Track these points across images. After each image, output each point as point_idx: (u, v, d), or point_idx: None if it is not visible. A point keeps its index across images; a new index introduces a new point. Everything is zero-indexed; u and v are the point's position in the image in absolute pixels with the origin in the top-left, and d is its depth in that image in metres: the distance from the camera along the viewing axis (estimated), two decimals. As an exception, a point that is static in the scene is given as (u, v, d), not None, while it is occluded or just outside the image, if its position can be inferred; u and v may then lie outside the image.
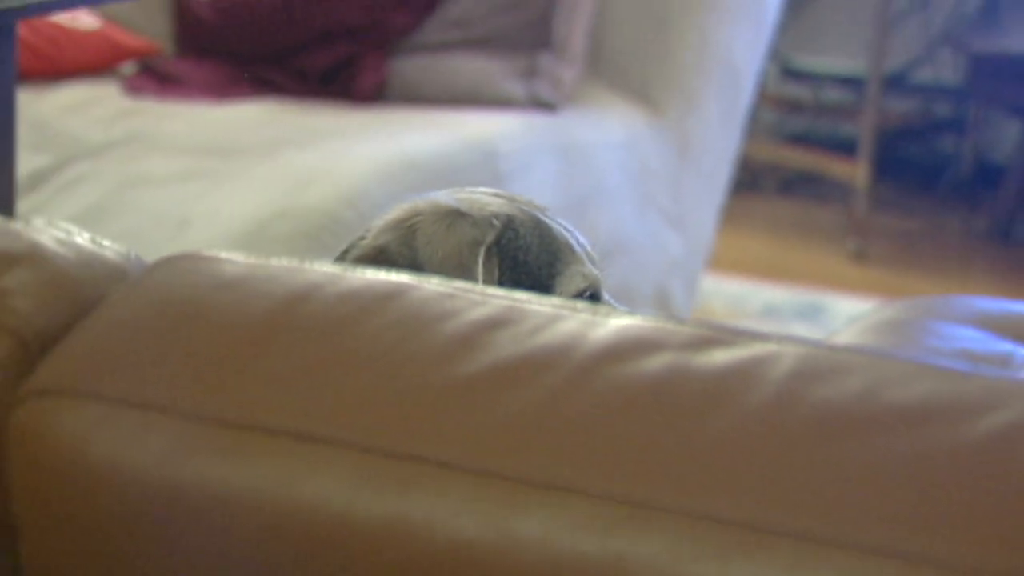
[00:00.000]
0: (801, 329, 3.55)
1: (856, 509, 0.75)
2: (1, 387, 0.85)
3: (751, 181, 4.23)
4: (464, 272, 1.12)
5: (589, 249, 1.19)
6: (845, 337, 2.02)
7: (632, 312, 0.86)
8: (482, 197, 1.18)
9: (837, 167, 4.24)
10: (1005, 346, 2.00)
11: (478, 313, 0.85)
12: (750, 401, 0.79)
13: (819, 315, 3.63)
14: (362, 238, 1.17)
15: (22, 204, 2.56)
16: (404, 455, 0.79)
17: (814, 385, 0.79)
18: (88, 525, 0.83)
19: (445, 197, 1.18)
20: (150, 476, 0.82)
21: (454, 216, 1.14)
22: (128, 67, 3.13)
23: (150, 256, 2.66)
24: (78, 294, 0.90)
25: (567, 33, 3.02)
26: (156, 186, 2.65)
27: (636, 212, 3.05)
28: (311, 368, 0.83)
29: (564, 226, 1.18)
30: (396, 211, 1.18)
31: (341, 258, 1.16)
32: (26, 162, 2.63)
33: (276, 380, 0.83)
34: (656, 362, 0.81)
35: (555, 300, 0.87)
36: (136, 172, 2.69)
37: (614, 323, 0.84)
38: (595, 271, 1.16)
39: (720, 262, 3.52)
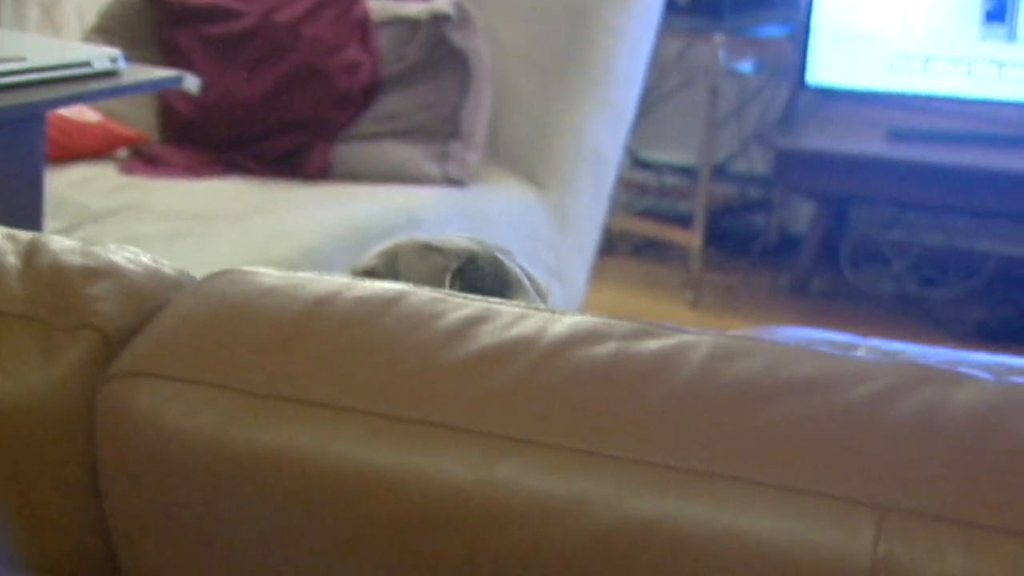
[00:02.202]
0: (652, 360, 3.58)
1: (761, 456, 0.77)
2: (90, 372, 0.85)
3: (610, 245, 4.28)
4: (433, 292, 1.13)
5: (541, 284, 1.20)
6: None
7: (582, 313, 0.88)
8: (455, 237, 1.20)
9: (676, 235, 4.30)
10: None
11: (462, 313, 0.86)
12: (678, 376, 0.81)
13: (665, 349, 3.67)
14: (357, 262, 1.18)
15: (40, 258, 2.52)
16: (409, 419, 0.80)
17: (727, 364, 0.82)
18: (160, 482, 0.83)
19: (424, 235, 1.20)
20: (210, 440, 0.82)
21: (427, 249, 1.16)
22: (122, 152, 3.10)
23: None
24: (147, 300, 0.90)
25: (472, 127, 3.04)
26: (148, 245, 2.61)
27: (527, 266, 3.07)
28: (334, 354, 0.84)
29: (520, 265, 1.20)
30: (385, 243, 1.19)
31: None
32: (47, 224, 2.60)
33: (307, 363, 0.84)
34: (605, 348, 0.83)
35: (520, 303, 0.89)
36: (132, 234, 2.67)
37: (568, 319, 0.86)
38: (537, 301, 1.18)
39: (588, 309, 3.55)
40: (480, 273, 1.15)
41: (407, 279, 1.14)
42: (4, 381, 0.84)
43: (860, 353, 2.08)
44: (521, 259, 1.20)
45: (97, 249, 0.92)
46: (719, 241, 4.39)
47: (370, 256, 1.17)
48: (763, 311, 4.16)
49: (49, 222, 2.61)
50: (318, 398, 0.82)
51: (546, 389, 0.81)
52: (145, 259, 0.93)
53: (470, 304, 0.87)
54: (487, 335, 0.84)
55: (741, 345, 0.84)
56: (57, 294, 0.87)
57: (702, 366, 0.81)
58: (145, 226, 2.68)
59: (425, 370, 0.83)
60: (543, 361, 0.82)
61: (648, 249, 4.50)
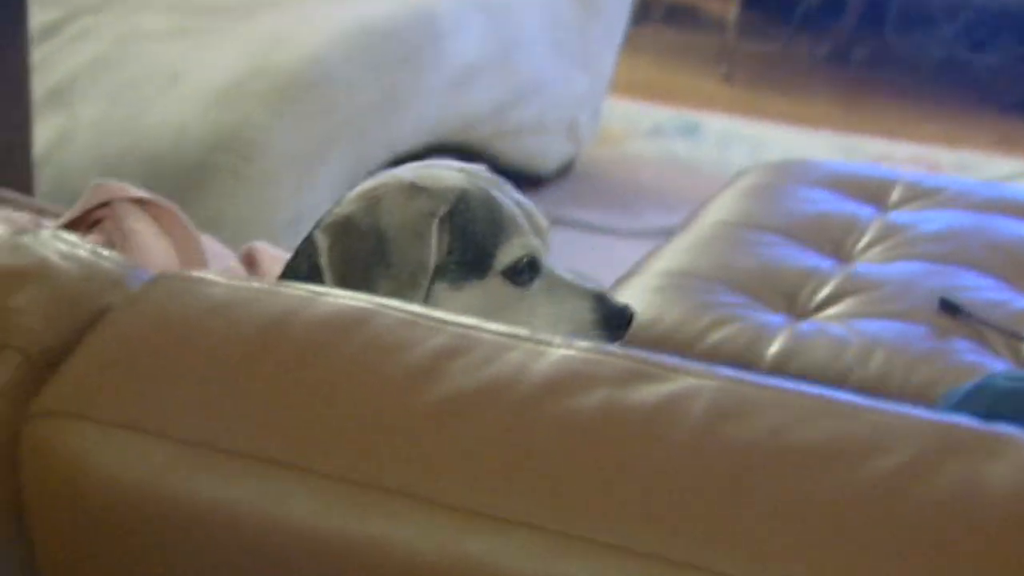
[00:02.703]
0: (682, 145, 3.45)
1: (763, 548, 0.68)
2: (13, 404, 0.76)
3: (643, 11, 4.08)
4: (419, 239, 1.02)
5: (539, 219, 1.09)
6: (726, 197, 1.93)
7: (569, 342, 0.77)
8: (442, 172, 1.08)
9: (711, 2, 4.10)
10: (850, 206, 1.93)
11: (435, 342, 0.76)
12: (673, 439, 0.71)
13: (696, 132, 3.54)
14: (337, 206, 1.07)
15: (36, 53, 2.40)
16: (367, 483, 0.72)
17: (728, 423, 0.72)
18: (90, 533, 0.76)
19: (407, 172, 1.08)
20: (144, 493, 0.74)
21: (413, 190, 1.04)
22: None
23: (150, 108, 2.48)
24: (81, 308, 0.80)
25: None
26: (150, 41, 2.49)
27: (550, 58, 2.92)
28: (285, 397, 0.75)
29: (517, 200, 1.08)
30: (364, 184, 1.07)
31: (319, 224, 1.06)
32: (39, 15, 2.47)
33: (255, 408, 0.75)
34: (592, 398, 0.73)
35: (502, 328, 0.78)
36: (132, 28, 2.53)
37: (554, 354, 0.76)
38: (535, 242, 1.07)
39: (616, 85, 3.39)
40: (471, 215, 1.04)
41: (389, 226, 1.03)
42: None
43: (895, 194, 1.97)
44: (516, 191, 1.09)
45: (28, 240, 0.82)
46: (757, 6, 4.19)
47: (351, 199, 1.06)
48: (800, 85, 3.99)
49: (42, 11, 2.47)
50: (266, 452, 0.73)
51: (522, 453, 0.72)
52: (83, 252, 0.82)
53: (444, 330, 0.77)
54: (460, 374, 0.75)
55: (747, 396, 0.74)
56: (-25, 308, 0.77)
57: (700, 425, 0.72)
58: (146, 19, 2.54)
59: (387, 420, 0.73)
60: (521, 414, 0.73)
61: (682, 14, 4.30)
